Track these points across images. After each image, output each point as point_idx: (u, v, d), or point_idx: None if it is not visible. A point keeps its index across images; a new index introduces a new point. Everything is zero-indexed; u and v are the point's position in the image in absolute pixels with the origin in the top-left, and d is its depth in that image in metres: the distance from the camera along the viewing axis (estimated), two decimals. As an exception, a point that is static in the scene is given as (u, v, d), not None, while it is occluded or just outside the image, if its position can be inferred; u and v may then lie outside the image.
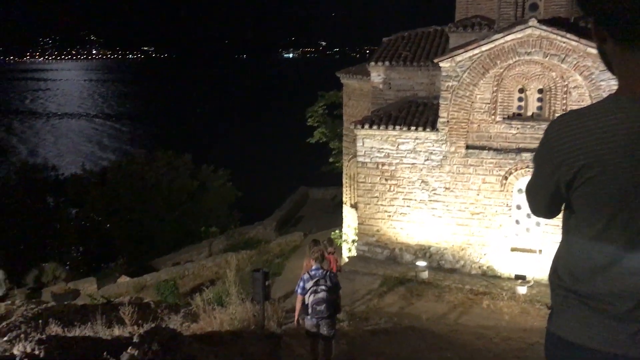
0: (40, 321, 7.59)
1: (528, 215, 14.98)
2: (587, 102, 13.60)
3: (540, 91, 14.67)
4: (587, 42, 13.34)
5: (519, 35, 14.06)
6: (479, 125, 15.05)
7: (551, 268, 1.79)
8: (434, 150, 15.48)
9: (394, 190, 16.04)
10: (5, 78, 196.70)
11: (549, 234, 14.50)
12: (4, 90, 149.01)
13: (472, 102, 14.94)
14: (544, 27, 13.79)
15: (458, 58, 14.79)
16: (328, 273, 7.84)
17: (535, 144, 14.19)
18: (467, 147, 15.13)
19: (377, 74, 17.34)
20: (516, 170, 14.79)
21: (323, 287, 7.59)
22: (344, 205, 21.24)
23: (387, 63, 17.06)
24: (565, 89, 14.17)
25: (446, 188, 15.52)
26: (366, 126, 15.89)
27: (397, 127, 15.60)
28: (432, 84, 16.63)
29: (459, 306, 13.29)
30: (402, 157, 15.82)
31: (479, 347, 10.06)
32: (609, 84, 13.36)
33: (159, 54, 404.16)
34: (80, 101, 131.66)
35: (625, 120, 1.48)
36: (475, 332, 11.20)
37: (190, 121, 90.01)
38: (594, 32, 1.59)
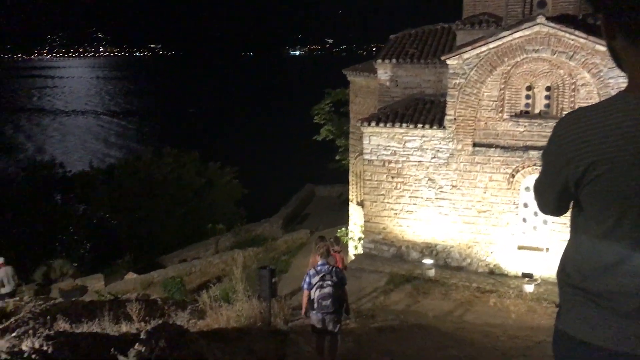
0: (48, 317, 7.63)
1: (535, 214, 14.92)
2: (595, 99, 13.53)
3: (548, 89, 14.60)
4: (596, 39, 13.27)
5: (526, 32, 14.00)
6: (486, 123, 15.00)
7: (559, 266, 1.79)
8: (440, 148, 15.44)
9: (400, 188, 16.02)
10: (13, 75, 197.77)
11: (556, 232, 14.45)
12: (12, 88, 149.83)
13: (480, 100, 14.89)
14: (552, 25, 13.72)
15: (465, 55, 14.74)
16: (334, 268, 7.87)
17: (542, 142, 14.15)
18: (474, 144, 15.09)
19: (384, 72, 17.30)
20: (523, 168, 14.74)
21: (329, 282, 7.62)
22: (350, 203, 21.23)
23: (394, 60, 17.03)
24: (573, 86, 14.10)
25: (453, 186, 15.49)
26: (373, 124, 15.86)
27: (404, 125, 15.57)
28: (439, 82, 16.58)
29: (466, 304, 13.26)
30: (408, 154, 15.79)
31: (486, 345, 10.04)
32: (618, 81, 13.28)
33: (165, 51, 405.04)
34: (87, 98, 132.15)
35: (634, 118, 1.48)
36: (482, 330, 11.18)
37: (197, 119, 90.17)
38: (604, 29, 1.58)
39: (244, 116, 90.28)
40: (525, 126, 14.67)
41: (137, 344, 3.91)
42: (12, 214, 30.36)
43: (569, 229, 1.78)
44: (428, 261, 15.18)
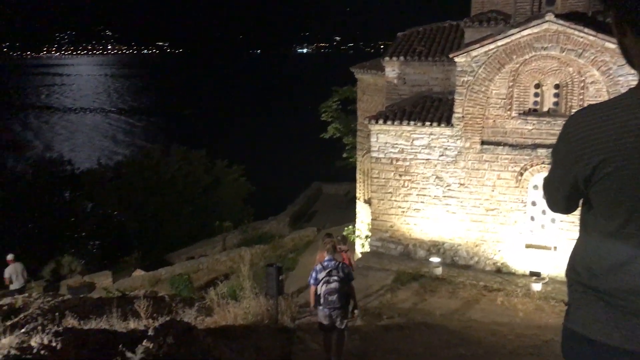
0: (56, 314, 7.67)
1: (543, 212, 14.86)
2: (604, 97, 13.44)
3: (557, 86, 14.52)
4: (605, 36, 13.18)
5: (535, 30, 13.92)
6: (494, 121, 14.94)
7: (569, 264, 1.78)
8: (448, 145, 15.40)
9: (407, 186, 15.99)
10: (22, 73, 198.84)
11: (564, 230, 14.38)
12: (21, 85, 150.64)
13: (488, 98, 14.83)
14: (561, 22, 13.63)
15: (473, 53, 14.68)
16: (340, 264, 7.89)
17: (551, 140, 14.10)
18: (482, 142, 15.04)
19: (391, 69, 17.26)
20: (532, 166, 14.67)
21: (335, 278, 7.66)
22: (357, 200, 21.22)
23: (401, 58, 16.98)
24: (582, 84, 14.02)
25: (461, 184, 15.45)
26: (380, 121, 15.83)
27: (412, 123, 15.53)
28: (447, 79, 16.53)
29: (473, 302, 13.23)
30: (416, 152, 15.76)
31: (493, 344, 10.01)
32: (627, 79, 13.19)
33: (173, 49, 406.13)
34: (95, 96, 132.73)
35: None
36: (489, 329, 11.15)
37: (197, 119, 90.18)
38: (615, 26, 1.57)
39: (250, 114, 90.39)
40: (533, 124, 14.60)
41: (144, 340, 3.92)
42: (21, 211, 30.56)
43: (577, 227, 1.77)
44: (435, 259, 15.16)
